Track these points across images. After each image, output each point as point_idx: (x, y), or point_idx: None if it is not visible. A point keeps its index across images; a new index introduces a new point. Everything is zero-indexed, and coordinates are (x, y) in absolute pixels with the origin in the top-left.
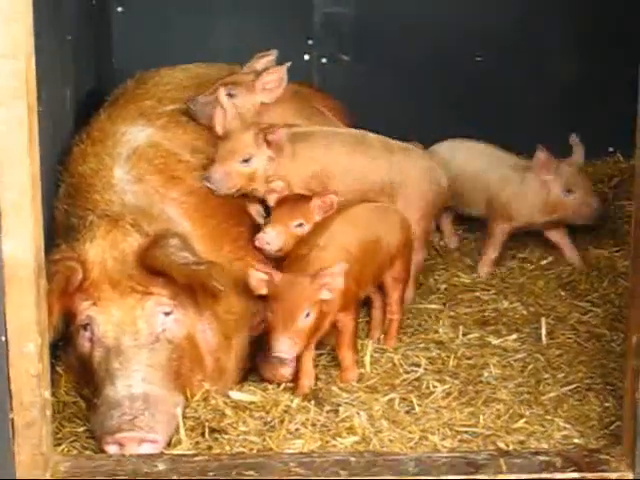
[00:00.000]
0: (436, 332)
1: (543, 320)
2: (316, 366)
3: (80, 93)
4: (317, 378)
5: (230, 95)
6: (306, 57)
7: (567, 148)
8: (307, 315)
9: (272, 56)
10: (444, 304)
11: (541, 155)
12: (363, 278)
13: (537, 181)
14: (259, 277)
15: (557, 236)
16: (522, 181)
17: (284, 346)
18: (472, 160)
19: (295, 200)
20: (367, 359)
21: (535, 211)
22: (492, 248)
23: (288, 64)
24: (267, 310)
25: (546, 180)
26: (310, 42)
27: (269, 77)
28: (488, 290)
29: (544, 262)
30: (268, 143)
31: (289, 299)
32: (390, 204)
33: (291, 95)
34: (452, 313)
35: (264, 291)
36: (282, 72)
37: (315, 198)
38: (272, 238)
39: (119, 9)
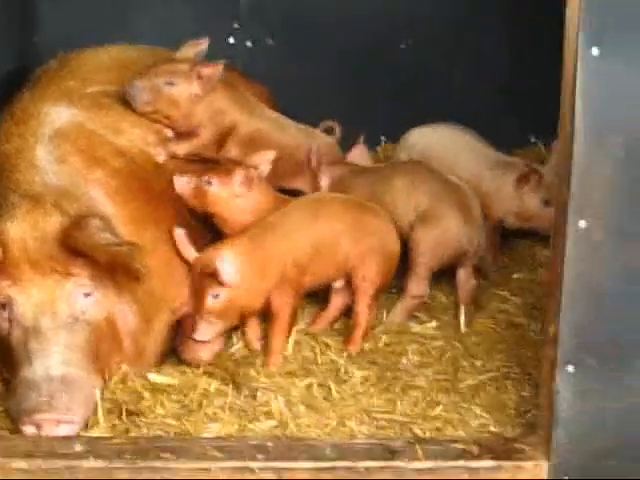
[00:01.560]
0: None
1: (462, 308)
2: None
3: (2, 72)
4: (235, 362)
5: (169, 83)
6: (231, 40)
7: (488, 136)
8: (215, 296)
9: (204, 45)
10: None
11: (522, 170)
12: (312, 269)
13: (512, 188)
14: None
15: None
16: (497, 181)
17: (198, 328)
18: (439, 148)
19: (221, 161)
20: (290, 343)
21: (509, 215)
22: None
23: (222, 62)
24: None
25: (523, 191)
26: (236, 25)
27: (206, 71)
28: None
29: None
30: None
31: (196, 279)
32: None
33: (223, 84)
34: None
35: None
36: (219, 69)
37: (239, 168)
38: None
39: None
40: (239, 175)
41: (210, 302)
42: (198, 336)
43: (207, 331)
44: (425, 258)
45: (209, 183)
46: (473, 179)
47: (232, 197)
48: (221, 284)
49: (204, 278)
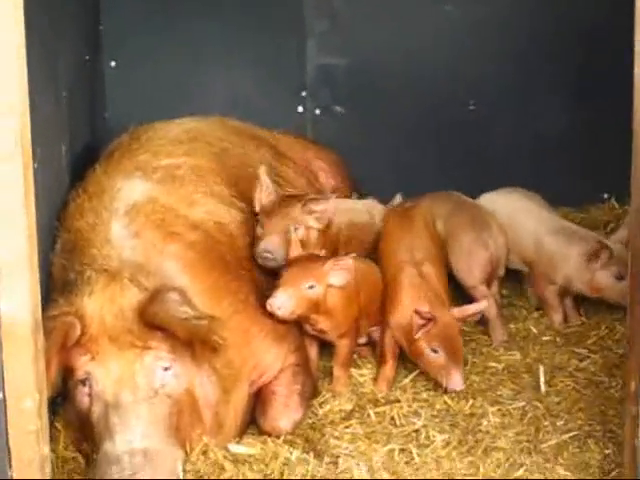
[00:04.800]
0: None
1: (541, 368)
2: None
3: (75, 148)
4: (316, 429)
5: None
6: (300, 109)
7: (560, 194)
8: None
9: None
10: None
11: (593, 247)
12: None
13: (580, 261)
14: (421, 321)
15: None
16: (561, 249)
17: (461, 381)
18: (511, 215)
19: (307, 260)
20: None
21: (578, 284)
22: (553, 313)
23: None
24: (430, 347)
25: (594, 268)
26: (303, 94)
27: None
28: (486, 339)
29: (541, 311)
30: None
31: (459, 338)
32: None
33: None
34: None
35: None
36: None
37: (330, 261)
38: (283, 302)
39: (112, 64)
40: (331, 266)
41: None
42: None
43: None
44: None
45: (312, 287)
46: (535, 244)
47: (333, 289)
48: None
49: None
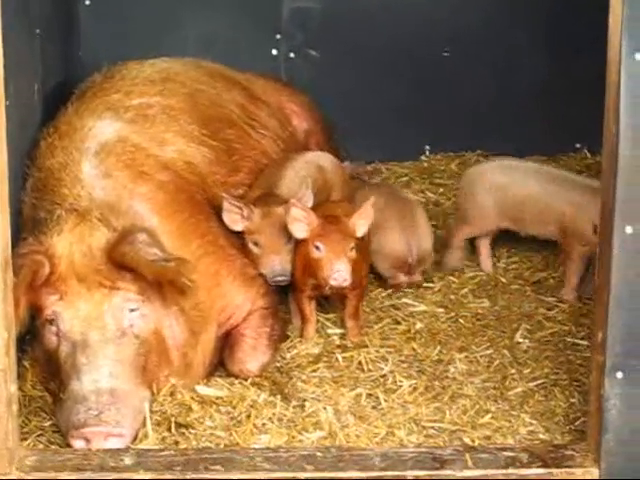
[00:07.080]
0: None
1: (523, 324)
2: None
3: (48, 86)
4: (283, 373)
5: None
6: (274, 52)
7: (533, 143)
8: None
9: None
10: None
11: None
12: None
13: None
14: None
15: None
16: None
17: None
18: (535, 183)
19: (334, 223)
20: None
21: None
22: (574, 274)
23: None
24: None
25: None
26: (278, 37)
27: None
28: (455, 286)
29: (510, 259)
30: None
31: None
32: None
33: None
34: (423, 308)
35: None
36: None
37: (355, 215)
38: (347, 272)
39: (87, 2)
40: (356, 220)
41: None
42: None
43: None
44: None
45: (353, 249)
46: (570, 208)
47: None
48: None
49: None
